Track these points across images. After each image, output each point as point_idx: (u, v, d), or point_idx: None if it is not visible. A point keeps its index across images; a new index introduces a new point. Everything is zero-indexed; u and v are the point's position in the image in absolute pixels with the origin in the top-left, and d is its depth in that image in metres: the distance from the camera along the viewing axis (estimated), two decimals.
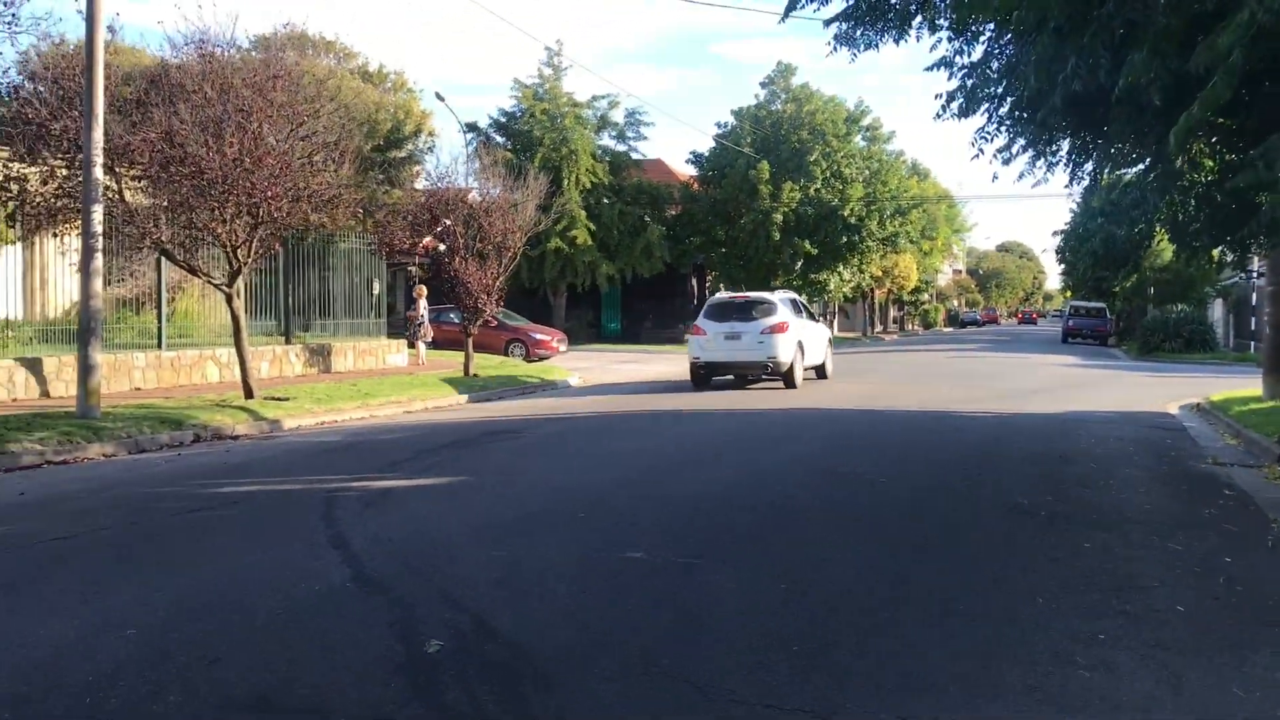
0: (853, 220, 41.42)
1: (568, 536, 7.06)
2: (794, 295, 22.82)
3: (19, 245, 16.64)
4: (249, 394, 15.17)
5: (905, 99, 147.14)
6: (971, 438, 13.55)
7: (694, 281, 46.81)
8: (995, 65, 10.00)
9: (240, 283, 15.30)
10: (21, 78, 13.84)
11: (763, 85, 44.15)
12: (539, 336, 30.31)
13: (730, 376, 20.95)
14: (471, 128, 41.98)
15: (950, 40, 10.28)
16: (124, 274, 17.62)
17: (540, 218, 22.51)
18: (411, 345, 23.86)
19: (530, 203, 21.89)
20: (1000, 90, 9.95)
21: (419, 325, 23.57)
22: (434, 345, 31.09)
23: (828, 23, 10.31)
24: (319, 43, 43.17)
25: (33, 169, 14.03)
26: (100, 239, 12.97)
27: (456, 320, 31.83)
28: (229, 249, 14.65)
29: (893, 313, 77.91)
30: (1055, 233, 57.29)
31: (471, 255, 20.69)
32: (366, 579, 5.87)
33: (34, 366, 14.79)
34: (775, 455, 11.43)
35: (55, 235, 15.02)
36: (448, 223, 20.10)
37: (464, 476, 9.95)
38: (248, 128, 13.74)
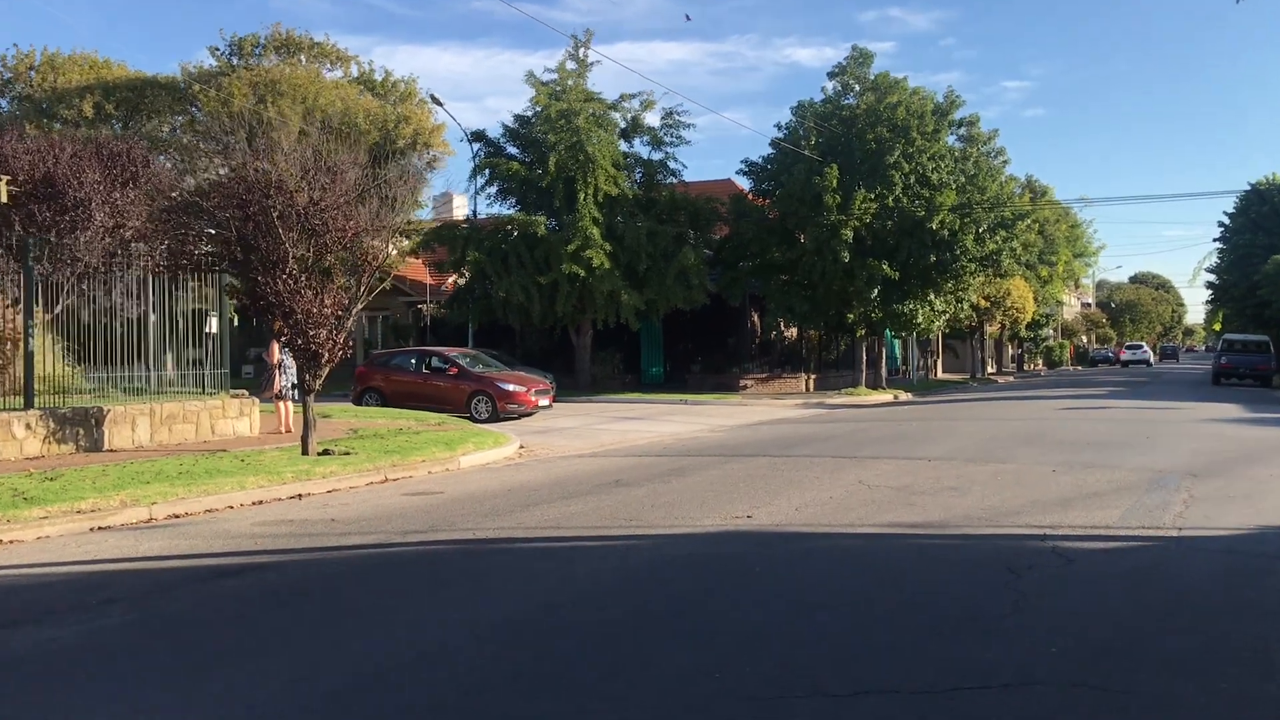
0: (943, 235, 32.80)
1: None
2: None
3: None
4: None
5: (1025, 126, 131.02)
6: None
7: (754, 316, 38.98)
8: None
9: None
10: None
11: (831, 76, 35.39)
12: (509, 388, 23.00)
13: None
14: (478, 137, 35.19)
15: None
16: None
17: (402, 203, 15.20)
18: (270, 401, 16.82)
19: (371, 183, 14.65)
20: None
21: (269, 377, 16.51)
22: (385, 403, 24.18)
23: None
24: (306, 45, 37.15)
25: None
26: None
27: (414, 367, 24.96)
28: None
29: (1010, 350, 68.35)
30: (1215, 239, 46.89)
31: (307, 272, 13.64)
32: None
33: None
34: None
35: None
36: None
37: None
38: None
